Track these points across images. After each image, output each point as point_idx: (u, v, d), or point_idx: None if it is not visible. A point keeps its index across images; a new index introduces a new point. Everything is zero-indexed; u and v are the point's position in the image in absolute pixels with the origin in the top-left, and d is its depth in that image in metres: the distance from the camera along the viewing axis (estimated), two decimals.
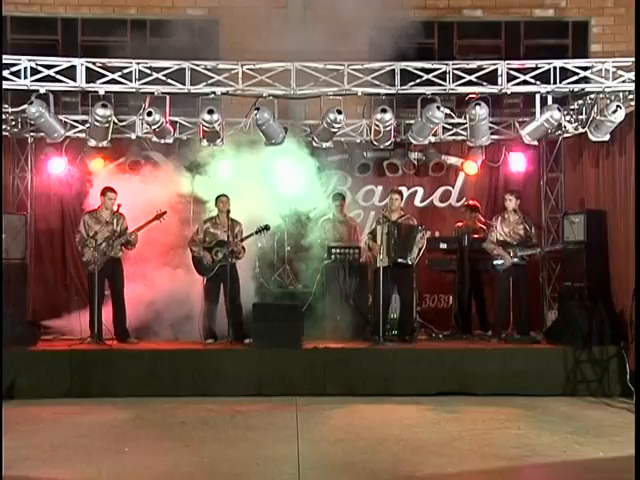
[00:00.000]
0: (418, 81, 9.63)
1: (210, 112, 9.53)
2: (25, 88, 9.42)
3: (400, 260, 9.79)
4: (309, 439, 7.01)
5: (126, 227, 9.93)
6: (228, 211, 9.83)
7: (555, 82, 9.59)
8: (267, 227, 9.98)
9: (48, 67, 9.39)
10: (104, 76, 9.46)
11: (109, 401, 8.63)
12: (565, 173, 11.30)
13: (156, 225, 9.98)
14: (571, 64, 9.69)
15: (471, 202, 11.49)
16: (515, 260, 9.97)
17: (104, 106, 9.53)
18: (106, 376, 8.98)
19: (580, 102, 10.19)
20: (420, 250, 9.95)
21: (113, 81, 9.47)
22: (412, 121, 10.40)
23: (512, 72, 9.62)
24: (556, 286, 11.17)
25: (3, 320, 8.53)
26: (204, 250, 9.92)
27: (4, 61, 9.20)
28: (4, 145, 10.37)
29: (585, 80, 9.70)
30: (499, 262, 10.03)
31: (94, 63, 9.47)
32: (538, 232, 10.92)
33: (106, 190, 9.98)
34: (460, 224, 11.19)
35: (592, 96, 9.89)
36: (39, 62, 9.41)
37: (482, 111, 9.69)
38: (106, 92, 9.57)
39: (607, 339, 9.24)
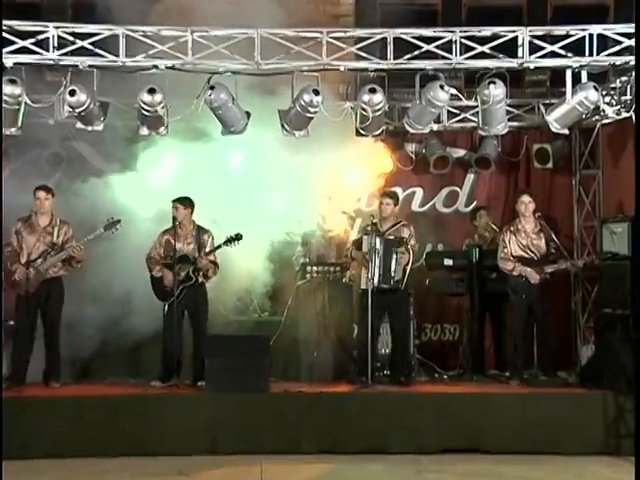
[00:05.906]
0: (416, 53, 9.09)
1: (151, 92, 8.88)
2: None
3: (384, 285, 9.35)
4: None
5: (69, 238, 9.39)
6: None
7: (591, 54, 9.05)
8: (239, 236, 9.45)
9: None
10: (13, 43, 8.80)
11: (21, 465, 7.84)
12: (604, 170, 10.86)
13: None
14: (612, 30, 9.12)
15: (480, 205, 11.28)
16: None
17: (12, 82, 8.86)
18: (17, 432, 8.16)
19: (623, 79, 9.62)
20: (407, 266, 9.48)
21: (24, 50, 8.86)
22: (409, 104, 9.88)
23: (536, 41, 9.06)
24: (593, 314, 10.76)
25: None
26: (164, 268, 9.46)
27: None
28: None
29: (630, 51, 9.05)
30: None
31: None
32: (570, 244, 10.60)
33: (36, 190, 9.37)
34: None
35: None
36: None
37: (498, 91, 9.12)
38: (15, 64, 8.93)
39: None
